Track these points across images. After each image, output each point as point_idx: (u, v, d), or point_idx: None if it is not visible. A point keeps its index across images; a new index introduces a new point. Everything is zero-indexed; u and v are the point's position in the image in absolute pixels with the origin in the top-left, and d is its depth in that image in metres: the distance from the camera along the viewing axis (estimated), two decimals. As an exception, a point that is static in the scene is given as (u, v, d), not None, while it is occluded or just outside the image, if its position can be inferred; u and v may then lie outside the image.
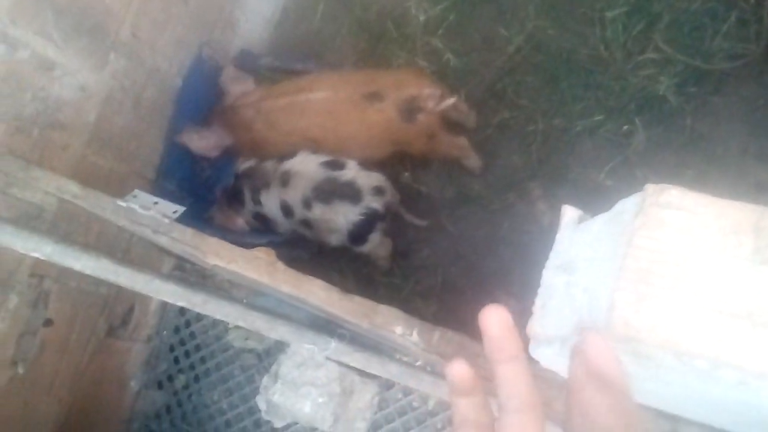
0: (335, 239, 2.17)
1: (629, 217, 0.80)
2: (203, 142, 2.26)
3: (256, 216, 2.27)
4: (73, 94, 1.79)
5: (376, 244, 2.20)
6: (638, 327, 0.74)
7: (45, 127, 1.73)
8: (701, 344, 0.72)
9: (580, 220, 0.96)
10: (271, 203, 2.17)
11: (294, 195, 2.11)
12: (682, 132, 2.24)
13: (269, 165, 2.19)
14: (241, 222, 2.30)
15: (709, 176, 2.17)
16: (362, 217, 2.08)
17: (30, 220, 1.75)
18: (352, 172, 2.08)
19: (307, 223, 2.15)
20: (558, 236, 0.97)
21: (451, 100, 2.12)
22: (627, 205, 0.84)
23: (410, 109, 2.08)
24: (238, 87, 2.33)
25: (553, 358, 0.92)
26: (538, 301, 0.93)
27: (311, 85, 2.20)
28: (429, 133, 2.19)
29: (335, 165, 2.10)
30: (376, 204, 2.09)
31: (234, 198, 2.27)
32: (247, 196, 2.22)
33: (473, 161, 2.35)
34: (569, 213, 0.98)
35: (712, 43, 2.24)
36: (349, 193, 2.06)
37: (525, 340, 1.01)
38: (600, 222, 0.89)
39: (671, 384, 0.82)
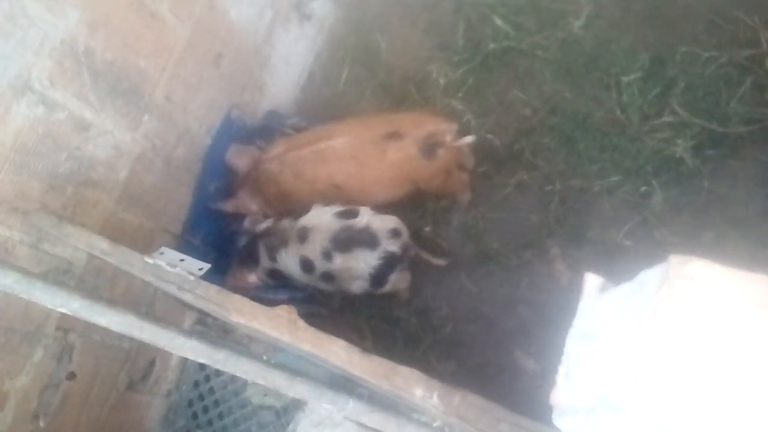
0: (357, 286, 2.20)
1: (653, 288, 0.82)
2: (233, 208, 2.38)
3: (270, 273, 2.30)
4: (106, 153, 1.86)
5: (396, 282, 2.24)
6: (663, 402, 0.75)
7: (78, 185, 1.79)
8: (730, 422, 0.72)
9: (603, 289, 0.98)
10: (290, 260, 2.21)
11: (313, 249, 2.15)
12: (699, 193, 2.26)
13: (286, 224, 2.24)
14: (253, 279, 2.32)
15: (729, 239, 2.17)
16: (381, 261, 2.12)
17: (59, 274, 1.79)
18: (365, 217, 2.13)
19: (328, 276, 2.18)
20: (581, 304, 0.99)
21: (469, 138, 2.20)
22: (650, 275, 0.86)
23: (430, 145, 2.15)
24: (243, 160, 2.41)
25: (576, 428, 0.93)
26: (562, 370, 0.94)
27: (331, 133, 2.27)
28: (446, 169, 2.25)
29: (349, 214, 2.15)
30: (393, 247, 2.13)
31: (248, 257, 2.31)
32: (263, 254, 2.26)
33: (466, 197, 2.43)
34: (592, 281, 1.00)
35: (728, 107, 2.28)
36: (366, 239, 2.11)
37: (549, 408, 1.01)
38: (623, 291, 0.91)
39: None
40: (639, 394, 0.76)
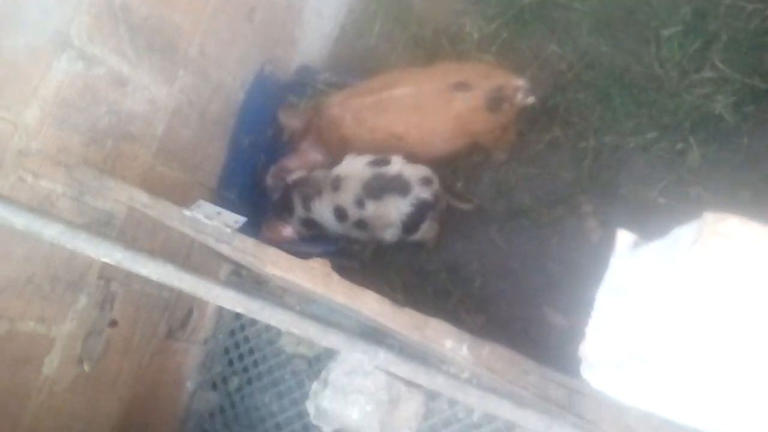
0: (390, 234, 2.23)
1: (686, 245, 0.82)
2: (298, 162, 2.39)
3: (305, 222, 2.34)
4: (143, 107, 1.89)
5: (426, 231, 2.27)
6: (693, 357, 0.76)
7: (117, 139, 1.83)
8: (761, 378, 0.73)
9: (635, 245, 0.98)
10: (324, 209, 2.25)
11: (346, 197, 2.18)
12: (737, 151, 2.21)
13: (320, 174, 2.27)
14: (288, 231, 2.36)
15: (767, 197, 2.13)
16: (413, 208, 2.15)
17: (100, 226, 1.85)
18: (397, 165, 2.16)
19: (361, 224, 2.22)
20: (612, 260, 0.99)
21: (532, 98, 2.17)
22: (684, 232, 0.85)
23: (497, 99, 2.13)
24: (295, 120, 2.41)
25: (604, 380, 0.95)
26: (591, 323, 0.96)
27: (395, 82, 2.25)
28: (506, 124, 2.24)
29: (381, 162, 2.17)
30: (425, 194, 2.15)
31: (283, 208, 2.35)
32: (298, 203, 2.30)
33: (504, 155, 2.43)
34: (624, 237, 1.00)
35: (771, 62, 2.21)
36: (398, 185, 2.14)
37: (576, 361, 1.03)
38: (656, 248, 0.91)
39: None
40: (669, 349, 0.77)
